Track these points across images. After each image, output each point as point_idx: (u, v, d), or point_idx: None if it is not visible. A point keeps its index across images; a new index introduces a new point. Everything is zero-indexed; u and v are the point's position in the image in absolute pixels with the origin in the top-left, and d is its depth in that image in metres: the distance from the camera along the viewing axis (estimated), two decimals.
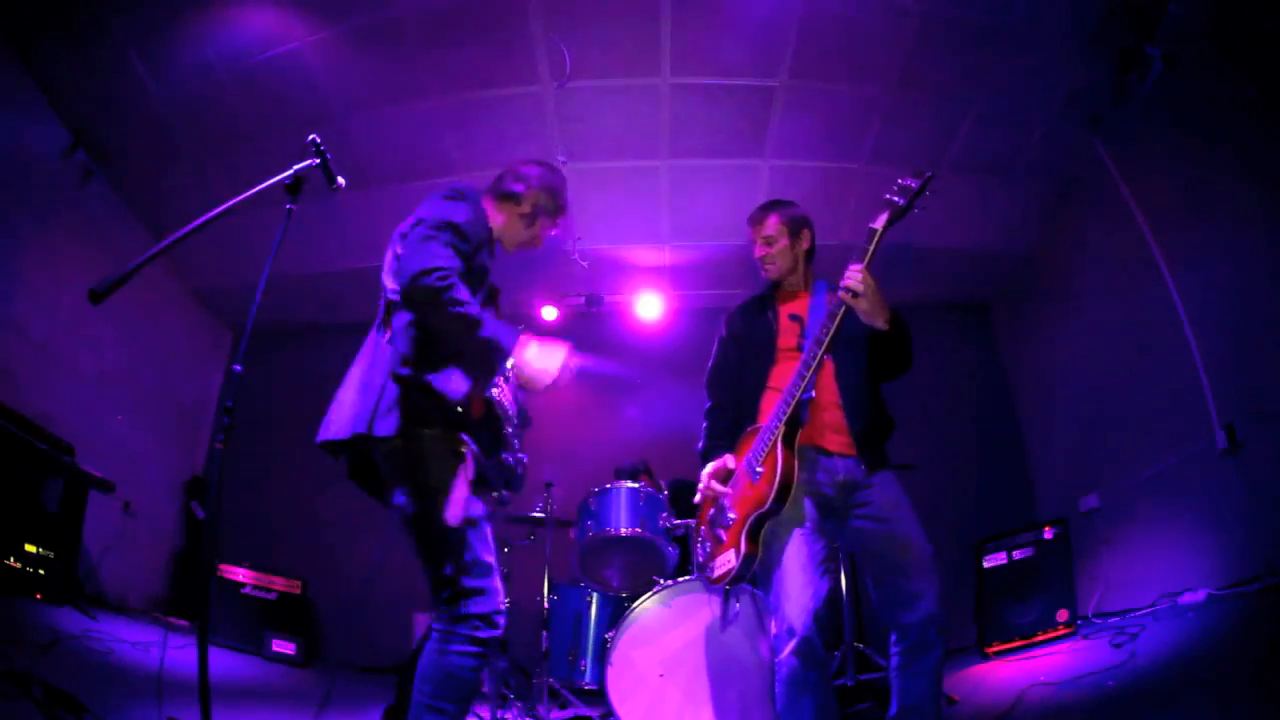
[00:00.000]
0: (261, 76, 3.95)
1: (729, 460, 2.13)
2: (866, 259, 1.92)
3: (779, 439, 1.95)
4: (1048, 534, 3.64)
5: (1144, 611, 3.30)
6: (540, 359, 1.76)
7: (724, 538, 2.06)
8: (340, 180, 1.95)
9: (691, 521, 3.30)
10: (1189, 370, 3.53)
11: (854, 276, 1.90)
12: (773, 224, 2.29)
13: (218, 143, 4.28)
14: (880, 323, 1.96)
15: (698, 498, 2.22)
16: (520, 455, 1.95)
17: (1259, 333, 3.19)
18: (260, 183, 1.84)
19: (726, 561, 2.02)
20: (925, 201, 1.94)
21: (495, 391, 1.92)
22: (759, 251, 2.30)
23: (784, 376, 2.14)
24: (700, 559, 2.18)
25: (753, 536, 1.95)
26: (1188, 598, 3.14)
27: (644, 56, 3.95)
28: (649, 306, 5.62)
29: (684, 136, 4.40)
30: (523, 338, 1.75)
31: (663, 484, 4.09)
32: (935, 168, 4.39)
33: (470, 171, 4.58)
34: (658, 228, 5.05)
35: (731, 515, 2.04)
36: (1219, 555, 3.25)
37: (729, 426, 2.22)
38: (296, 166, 1.86)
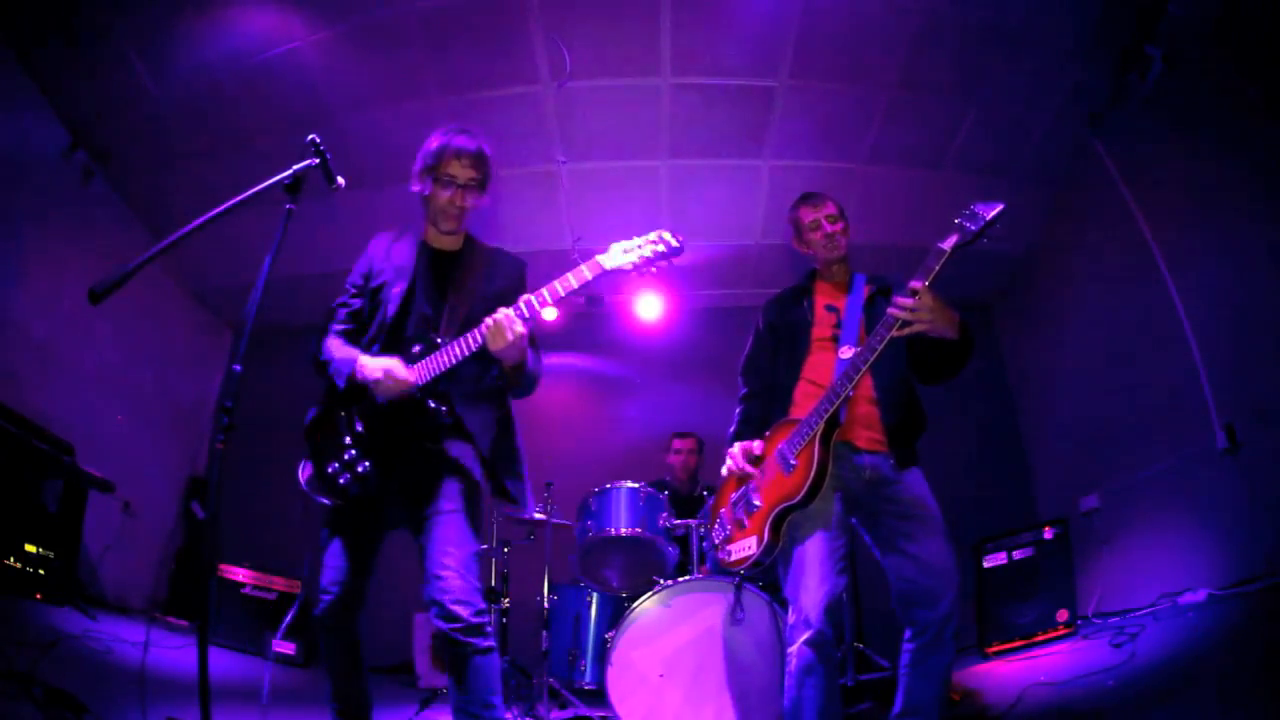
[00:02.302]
0: (261, 76, 3.95)
1: (757, 445, 2.15)
2: (930, 278, 1.91)
3: (818, 435, 1.98)
4: (1048, 534, 3.64)
5: (1144, 611, 3.30)
6: (376, 368, 1.96)
7: (746, 523, 2.09)
8: (340, 180, 1.95)
9: (692, 522, 3.32)
10: (1189, 370, 3.53)
11: (907, 300, 1.89)
12: (834, 208, 2.36)
13: (217, 143, 4.28)
14: (952, 333, 1.97)
15: (724, 470, 2.24)
16: (350, 465, 1.97)
17: (1259, 333, 3.19)
18: (260, 183, 1.84)
19: (747, 547, 2.05)
20: (994, 230, 1.91)
21: (343, 413, 2.04)
22: (830, 227, 2.32)
23: (817, 368, 2.18)
24: (717, 540, 2.20)
25: (776, 527, 1.99)
26: (1188, 598, 3.14)
27: (644, 56, 3.95)
28: (649, 306, 5.62)
29: (684, 136, 4.40)
30: (359, 361, 2.00)
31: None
32: (935, 168, 4.47)
33: None
34: (658, 228, 5.03)
35: (757, 502, 2.07)
36: (1219, 555, 3.24)
37: (761, 415, 2.26)
38: (296, 166, 1.86)
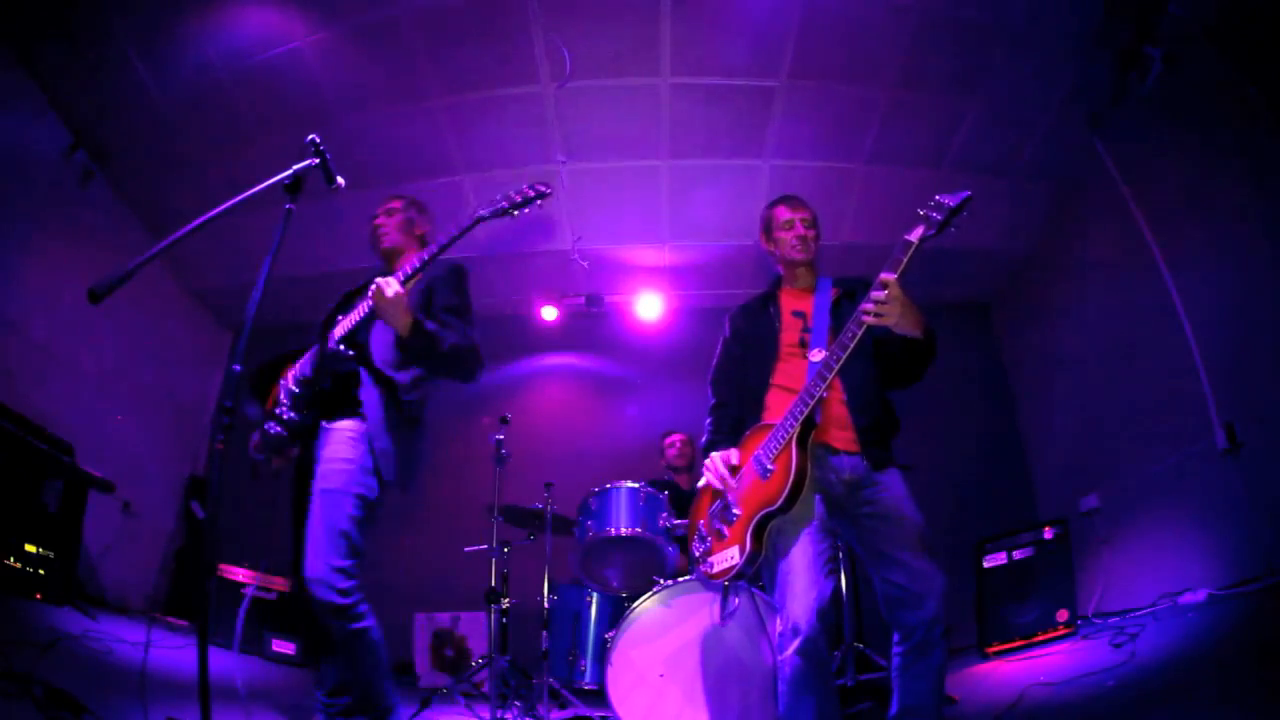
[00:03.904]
0: (261, 76, 3.95)
1: (734, 455, 2.12)
2: (900, 270, 1.89)
3: (794, 438, 1.94)
4: (1048, 534, 3.64)
5: (1144, 611, 3.30)
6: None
7: (726, 533, 2.04)
8: (340, 180, 1.95)
9: None
10: (1189, 370, 3.53)
11: (878, 293, 1.87)
12: (811, 213, 2.37)
13: (218, 143, 4.28)
14: (917, 331, 1.95)
15: (701, 482, 2.19)
16: (280, 416, 2.16)
17: (1259, 333, 3.19)
18: (260, 183, 1.84)
19: (729, 558, 2.00)
20: (961, 218, 1.89)
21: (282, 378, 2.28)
22: (804, 230, 2.32)
23: (788, 373, 2.16)
24: (696, 553, 2.14)
25: (758, 534, 1.95)
26: (1188, 598, 3.14)
27: (644, 56, 3.95)
28: (649, 306, 5.62)
29: (684, 136, 4.40)
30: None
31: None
32: (935, 167, 4.47)
33: (470, 172, 4.59)
34: (658, 228, 5.05)
35: (736, 511, 2.03)
36: (1219, 555, 3.25)
37: (733, 424, 2.23)
38: (296, 166, 1.86)
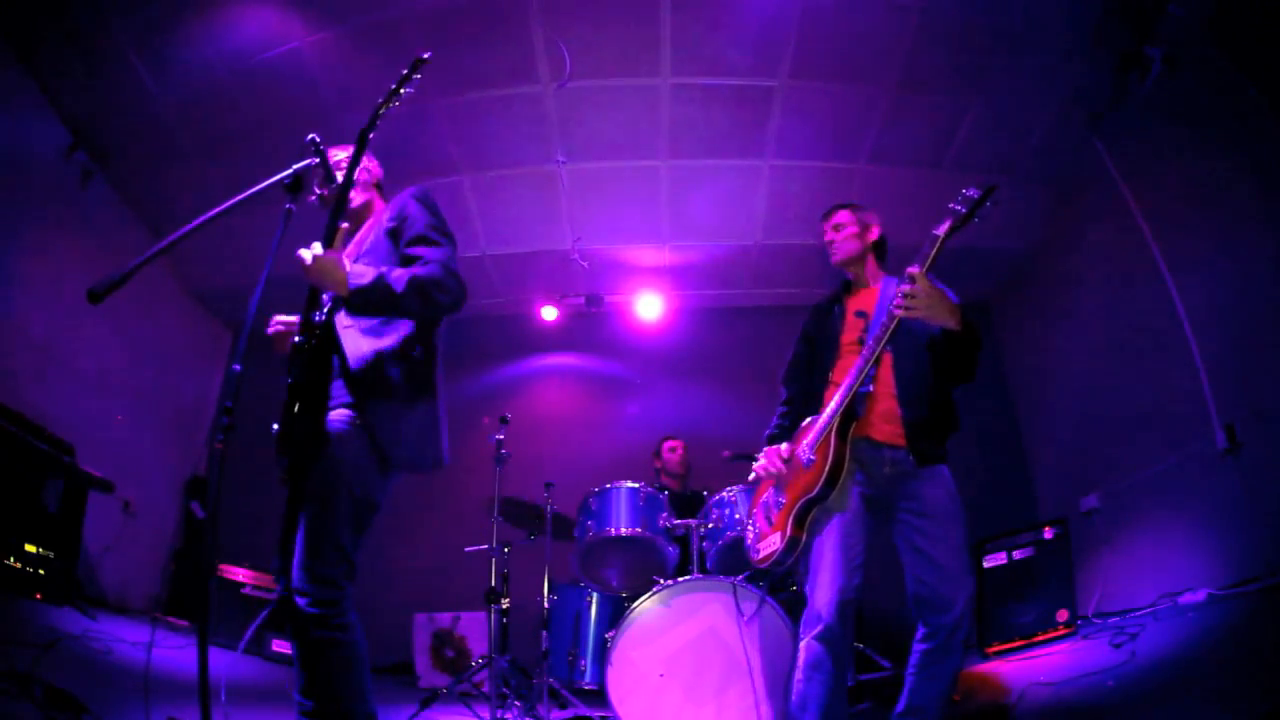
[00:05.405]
0: (261, 76, 3.95)
1: (784, 448, 2.23)
2: (927, 264, 1.98)
3: (834, 429, 2.04)
4: (1048, 534, 3.64)
5: (1144, 611, 3.30)
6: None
7: (774, 520, 2.16)
8: (339, 179, 1.95)
9: (692, 522, 3.33)
10: (1189, 370, 3.53)
11: (905, 285, 1.96)
12: (843, 215, 2.44)
13: (218, 143, 4.28)
14: (951, 322, 2.01)
15: (751, 477, 2.32)
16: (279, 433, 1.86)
17: (1259, 333, 3.19)
18: (260, 182, 1.84)
19: (772, 544, 2.12)
20: (985, 210, 1.99)
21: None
22: (831, 235, 2.42)
23: (844, 371, 2.22)
24: (749, 541, 2.28)
25: (799, 521, 2.05)
26: (1188, 598, 3.14)
27: (644, 56, 3.95)
28: (649, 306, 5.62)
29: (684, 136, 4.40)
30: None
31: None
32: (936, 167, 4.47)
33: (470, 171, 4.59)
34: (658, 228, 5.05)
35: (782, 499, 2.14)
36: (1219, 555, 3.25)
37: (795, 420, 2.33)
38: (296, 166, 1.86)
